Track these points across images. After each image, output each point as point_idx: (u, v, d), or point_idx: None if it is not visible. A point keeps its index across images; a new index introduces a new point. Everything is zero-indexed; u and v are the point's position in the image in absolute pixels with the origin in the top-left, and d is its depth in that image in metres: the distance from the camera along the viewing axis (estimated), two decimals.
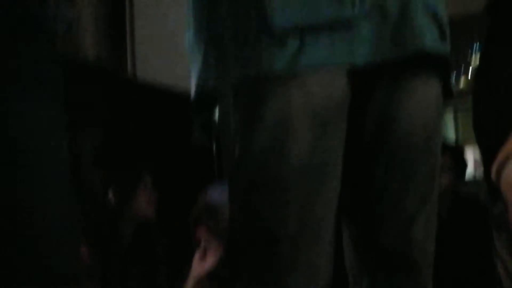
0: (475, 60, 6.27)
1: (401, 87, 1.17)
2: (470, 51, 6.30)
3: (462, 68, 6.27)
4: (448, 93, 1.25)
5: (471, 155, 6.17)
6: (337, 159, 1.13)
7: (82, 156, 3.52)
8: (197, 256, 2.82)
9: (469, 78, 6.23)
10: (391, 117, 1.18)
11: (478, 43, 6.17)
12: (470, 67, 6.28)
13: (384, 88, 1.18)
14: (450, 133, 6.57)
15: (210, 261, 2.71)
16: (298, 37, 1.08)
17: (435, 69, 1.20)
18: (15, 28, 1.21)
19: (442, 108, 1.24)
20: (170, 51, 4.68)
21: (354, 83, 1.14)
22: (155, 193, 3.42)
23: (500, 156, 2.88)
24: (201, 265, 2.73)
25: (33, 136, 1.19)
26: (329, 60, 1.09)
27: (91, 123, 3.72)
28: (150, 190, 3.40)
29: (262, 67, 1.09)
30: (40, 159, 1.19)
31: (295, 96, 1.08)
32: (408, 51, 1.12)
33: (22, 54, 1.21)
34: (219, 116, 1.21)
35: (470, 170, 5.32)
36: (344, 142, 1.14)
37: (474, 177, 5.70)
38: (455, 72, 6.00)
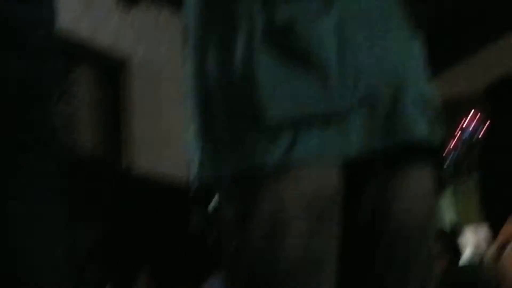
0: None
1: (395, 177, 1.18)
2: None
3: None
4: (442, 181, 1.26)
5: (469, 237, 6.14)
6: (332, 251, 1.13)
7: (81, 249, 3.49)
8: None
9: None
10: (385, 207, 1.18)
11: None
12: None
13: (377, 178, 1.19)
14: (448, 214, 6.56)
15: None
16: (291, 130, 1.10)
17: (428, 157, 1.21)
18: (21, 126, 1.24)
19: (437, 196, 1.25)
20: (166, 144, 4.73)
21: (348, 173, 1.16)
22: (153, 285, 3.39)
23: (499, 238, 2.89)
24: None
25: (34, 233, 1.20)
26: (322, 153, 1.10)
27: (89, 217, 3.71)
28: (148, 283, 3.36)
29: (255, 162, 1.10)
30: (41, 255, 1.19)
31: (289, 190, 1.09)
32: (400, 141, 1.13)
33: (26, 152, 1.23)
34: (215, 209, 1.22)
35: (467, 253, 5.29)
36: (340, 232, 1.15)
37: (472, 260, 5.66)
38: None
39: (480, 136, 6.21)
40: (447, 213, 6.53)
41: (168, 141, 4.74)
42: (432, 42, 1.41)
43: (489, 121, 3.74)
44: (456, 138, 6.30)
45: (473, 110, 6.24)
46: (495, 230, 3.27)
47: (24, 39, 1.23)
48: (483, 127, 6.17)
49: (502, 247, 2.39)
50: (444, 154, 1.23)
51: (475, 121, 6.26)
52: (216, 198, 1.21)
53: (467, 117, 6.29)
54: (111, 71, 4.44)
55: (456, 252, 3.78)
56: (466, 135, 6.32)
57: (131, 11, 4.64)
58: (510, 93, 3.58)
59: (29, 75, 1.25)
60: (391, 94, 1.15)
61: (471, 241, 6.09)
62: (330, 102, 1.12)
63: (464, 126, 6.30)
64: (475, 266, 4.85)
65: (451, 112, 6.16)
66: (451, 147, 6.25)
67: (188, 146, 1.25)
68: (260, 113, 1.12)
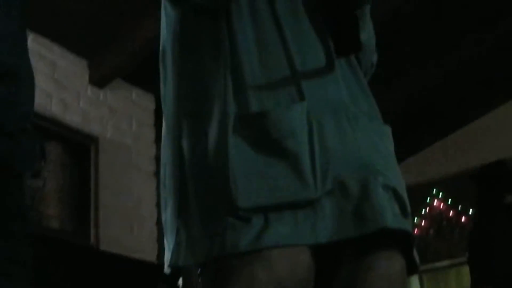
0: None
1: (365, 262, 1.19)
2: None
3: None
4: (412, 267, 1.26)
5: None
6: None
7: None
8: None
9: None
10: None
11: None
12: None
13: (348, 263, 1.20)
14: None
15: None
16: (262, 216, 1.12)
17: (398, 243, 1.22)
18: None
19: (406, 282, 1.25)
20: (133, 221, 4.69)
21: (319, 256, 1.16)
22: None
23: None
24: None
25: None
26: (292, 240, 1.12)
27: None
28: None
29: (227, 246, 1.11)
30: None
31: (260, 273, 1.10)
32: (370, 229, 1.14)
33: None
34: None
35: None
36: None
37: None
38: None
39: (447, 220, 6.27)
40: None
41: (136, 218, 4.70)
42: (399, 130, 1.44)
43: (477, 205, 3.88)
44: (424, 221, 6.35)
45: (440, 193, 6.32)
46: None
47: (2, 120, 1.24)
48: (450, 211, 6.24)
49: None
50: (413, 238, 1.24)
51: (442, 205, 6.33)
52: (186, 280, 1.21)
53: (434, 201, 6.35)
54: (80, 148, 4.43)
55: None
56: (433, 219, 6.37)
57: (102, 89, 4.68)
58: (498, 179, 3.74)
59: (6, 154, 1.25)
60: (360, 183, 1.17)
61: None
62: (301, 191, 1.13)
63: (431, 210, 6.36)
64: None
65: (418, 196, 6.24)
66: (419, 231, 6.29)
67: (167, 232, 1.26)
68: (232, 199, 1.13)
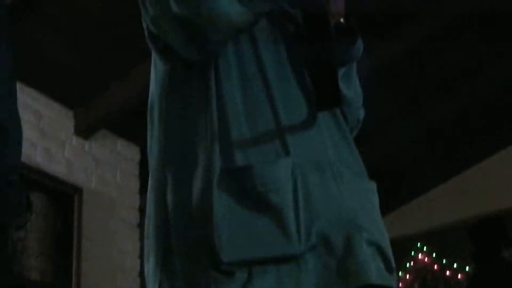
0: None
1: None
2: None
3: None
4: None
5: None
6: None
7: None
8: None
9: None
10: None
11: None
12: None
13: None
14: None
15: None
16: (246, 270, 1.12)
17: None
18: None
19: None
20: (116, 273, 4.63)
21: None
22: None
23: None
24: None
25: None
26: None
27: None
28: None
29: None
30: None
31: None
32: (353, 284, 1.13)
33: None
34: None
35: None
36: None
37: None
38: None
39: (431, 274, 6.25)
40: None
41: (118, 270, 4.64)
42: (383, 184, 1.45)
43: (474, 260, 3.90)
44: (408, 275, 6.32)
45: (425, 247, 6.31)
46: None
47: None
48: (435, 264, 6.23)
49: None
50: None
51: (426, 258, 6.32)
52: None
53: (419, 254, 6.34)
54: (64, 199, 4.40)
55: None
56: (417, 272, 6.35)
57: (87, 139, 4.67)
58: (495, 233, 3.76)
59: None
60: (344, 239, 1.17)
61: None
62: (285, 246, 1.14)
63: (416, 263, 6.34)
64: None
65: (403, 250, 6.23)
66: (404, 284, 6.26)
67: (149, 283, 1.25)
68: (216, 252, 1.13)
